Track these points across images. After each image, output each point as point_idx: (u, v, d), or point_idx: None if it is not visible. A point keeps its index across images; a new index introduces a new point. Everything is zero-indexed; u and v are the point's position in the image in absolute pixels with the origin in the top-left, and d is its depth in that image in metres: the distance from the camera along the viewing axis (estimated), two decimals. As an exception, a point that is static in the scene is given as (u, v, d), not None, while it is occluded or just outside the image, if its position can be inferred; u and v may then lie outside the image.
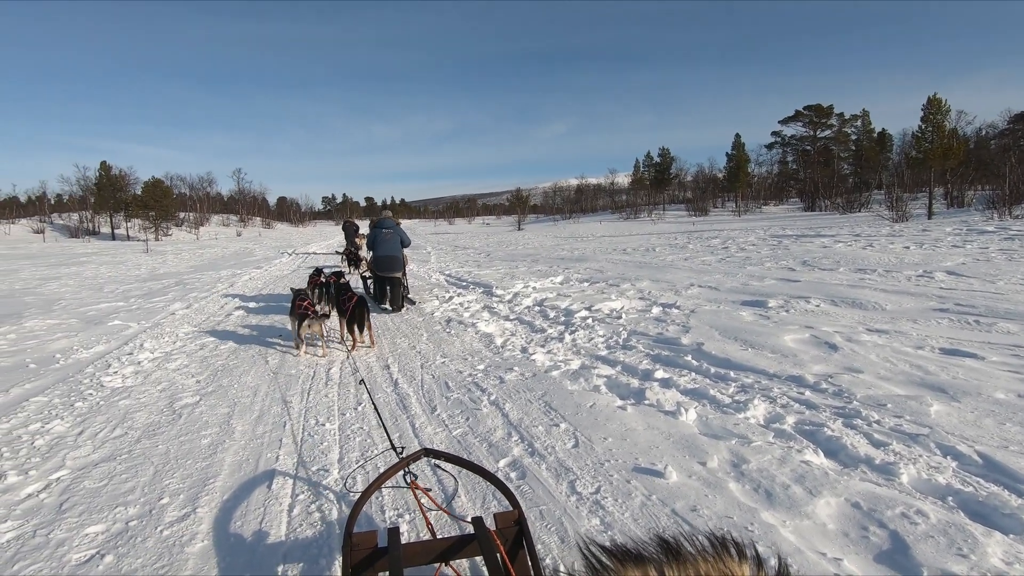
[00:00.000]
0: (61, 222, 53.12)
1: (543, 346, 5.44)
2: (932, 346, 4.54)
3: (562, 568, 1.99)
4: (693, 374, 4.26)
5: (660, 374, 4.25)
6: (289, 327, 6.21)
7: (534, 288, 9.18)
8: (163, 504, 2.66)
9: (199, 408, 4.04)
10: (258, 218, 77.00)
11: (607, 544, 0.45)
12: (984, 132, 45.64)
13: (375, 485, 1.81)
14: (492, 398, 3.96)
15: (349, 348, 5.69)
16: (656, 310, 6.74)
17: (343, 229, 18.45)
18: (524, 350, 5.33)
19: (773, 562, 0.45)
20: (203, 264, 18.18)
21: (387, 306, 8.22)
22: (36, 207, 61.45)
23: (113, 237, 48.00)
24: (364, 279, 9.59)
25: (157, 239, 44.11)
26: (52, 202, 64.66)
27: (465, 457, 2.91)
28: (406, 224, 72.18)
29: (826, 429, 3.06)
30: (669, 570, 0.41)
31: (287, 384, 4.60)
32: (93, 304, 9.38)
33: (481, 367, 4.82)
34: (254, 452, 3.24)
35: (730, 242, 16.50)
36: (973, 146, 42.12)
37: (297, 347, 5.65)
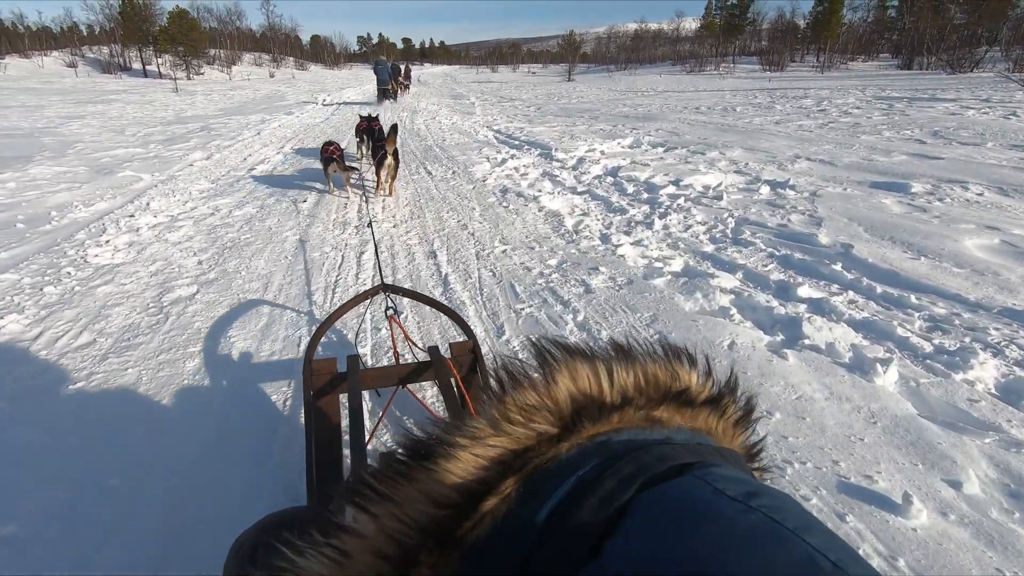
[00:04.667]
0: (93, 55, 50.96)
1: (628, 233, 4.27)
2: None
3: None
4: (851, 293, 3.08)
5: (805, 291, 3.09)
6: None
7: (601, 153, 7.70)
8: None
9: (192, 306, 3.16)
10: (291, 58, 72.22)
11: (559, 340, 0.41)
12: None
13: (335, 315, 1.79)
14: (579, 318, 2.89)
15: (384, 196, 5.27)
16: (764, 190, 5.35)
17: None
18: (605, 238, 4.18)
19: (724, 376, 0.44)
20: (232, 107, 16.83)
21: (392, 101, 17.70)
22: (68, 38, 58.92)
23: (145, 74, 45.85)
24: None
25: (189, 78, 41.95)
26: (84, 33, 61.72)
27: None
28: (446, 69, 76.73)
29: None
30: (617, 366, 0.40)
31: (311, 272, 3.67)
32: (110, 149, 8.46)
33: (553, 262, 3.74)
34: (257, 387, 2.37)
35: (827, 103, 13.99)
36: None
37: (330, 191, 5.79)
